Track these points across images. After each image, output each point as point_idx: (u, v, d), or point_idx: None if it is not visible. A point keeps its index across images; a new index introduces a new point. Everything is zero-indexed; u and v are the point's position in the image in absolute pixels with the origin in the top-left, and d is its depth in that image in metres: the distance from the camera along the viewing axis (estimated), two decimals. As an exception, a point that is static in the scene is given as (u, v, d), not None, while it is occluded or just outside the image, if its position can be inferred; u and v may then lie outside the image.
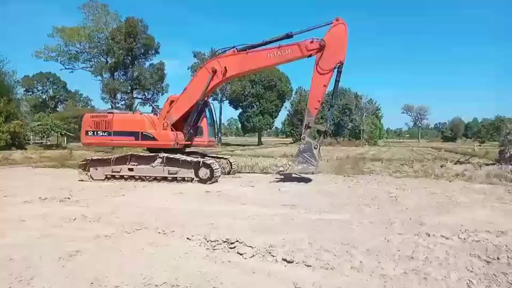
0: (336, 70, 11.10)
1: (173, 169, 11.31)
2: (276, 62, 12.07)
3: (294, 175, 11.78)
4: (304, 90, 77.56)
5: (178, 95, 12.54)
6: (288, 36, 11.44)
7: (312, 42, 11.09)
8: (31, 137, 44.67)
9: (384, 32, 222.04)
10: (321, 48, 11.01)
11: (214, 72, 11.79)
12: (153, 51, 54.27)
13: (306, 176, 11.82)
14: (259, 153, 28.03)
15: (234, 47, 11.96)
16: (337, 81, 11.30)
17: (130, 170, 11.60)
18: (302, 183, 11.30)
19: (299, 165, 11.24)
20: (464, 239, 5.13)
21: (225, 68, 11.75)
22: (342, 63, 11.03)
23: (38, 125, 42.05)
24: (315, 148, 11.21)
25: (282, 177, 12.13)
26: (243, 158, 19.67)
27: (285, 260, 4.28)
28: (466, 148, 43.84)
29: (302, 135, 11.54)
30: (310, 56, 11.29)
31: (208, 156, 13.04)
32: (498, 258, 4.31)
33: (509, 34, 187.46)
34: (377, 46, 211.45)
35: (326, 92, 12.40)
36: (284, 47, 11.35)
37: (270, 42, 11.70)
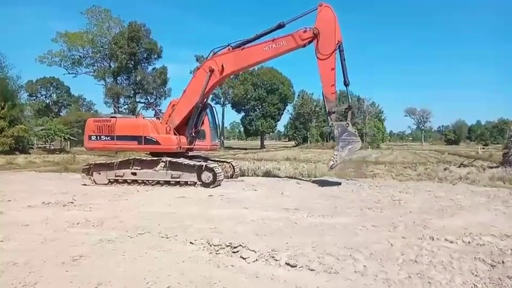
0: (338, 51, 11.03)
1: (176, 173, 11.33)
2: (272, 55, 11.81)
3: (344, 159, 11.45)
4: (307, 93, 77.74)
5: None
6: (280, 26, 11.48)
7: (305, 31, 11.14)
8: (35, 141, 44.91)
9: (386, 34, 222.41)
10: (315, 36, 11.07)
11: (212, 71, 11.85)
12: (156, 56, 54.67)
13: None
14: (261, 156, 28.04)
15: (228, 45, 12.03)
16: (343, 59, 11.17)
17: (134, 174, 11.63)
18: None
19: (344, 149, 10.98)
20: (469, 242, 5.11)
21: (222, 66, 11.79)
22: (341, 42, 11.02)
23: (42, 130, 42.38)
24: (347, 126, 11.08)
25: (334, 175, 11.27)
26: (246, 161, 19.66)
27: (288, 264, 4.27)
28: (470, 151, 43.77)
29: (330, 123, 11.42)
30: (305, 45, 11.29)
31: (211, 160, 13.04)
32: (503, 262, 4.28)
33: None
34: (378, 48, 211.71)
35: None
36: (278, 39, 11.37)
37: (263, 35, 11.74)
